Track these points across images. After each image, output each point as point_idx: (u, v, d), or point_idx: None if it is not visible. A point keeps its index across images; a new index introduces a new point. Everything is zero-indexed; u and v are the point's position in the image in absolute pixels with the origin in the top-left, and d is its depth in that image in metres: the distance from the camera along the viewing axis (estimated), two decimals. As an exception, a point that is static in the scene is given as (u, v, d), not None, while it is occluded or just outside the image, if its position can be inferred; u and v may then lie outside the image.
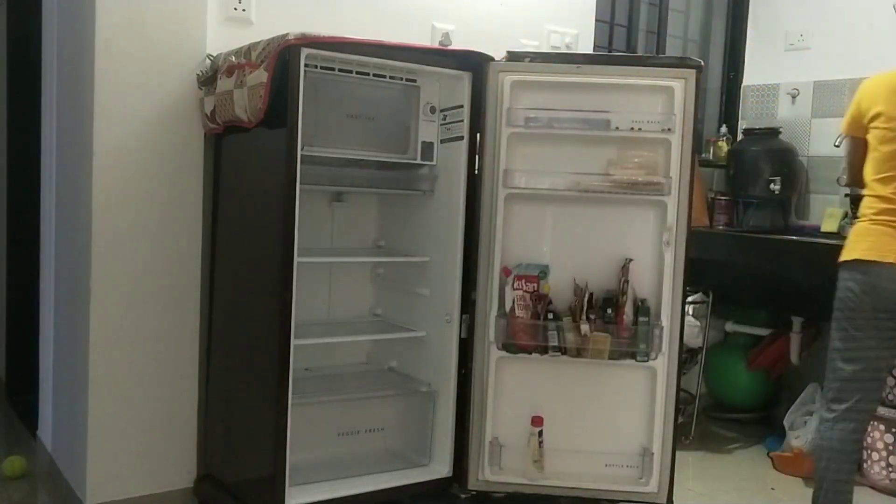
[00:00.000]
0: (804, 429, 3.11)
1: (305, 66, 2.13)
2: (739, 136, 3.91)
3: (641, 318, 2.46)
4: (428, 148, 2.59)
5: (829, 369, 2.39)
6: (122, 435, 2.41)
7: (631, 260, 2.50)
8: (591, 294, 2.48)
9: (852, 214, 3.33)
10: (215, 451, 2.51)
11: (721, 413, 3.76)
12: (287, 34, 2.10)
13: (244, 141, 2.34)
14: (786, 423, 3.21)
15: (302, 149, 2.14)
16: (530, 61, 2.50)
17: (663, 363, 2.48)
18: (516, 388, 2.56)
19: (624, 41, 3.79)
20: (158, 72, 2.38)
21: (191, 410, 2.52)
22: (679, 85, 2.43)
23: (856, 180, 2.51)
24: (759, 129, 3.75)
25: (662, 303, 2.47)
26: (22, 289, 3.41)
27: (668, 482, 2.51)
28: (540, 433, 2.51)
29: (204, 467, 2.54)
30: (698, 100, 2.46)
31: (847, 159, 2.55)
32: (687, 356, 3.40)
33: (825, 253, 3.02)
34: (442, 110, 2.59)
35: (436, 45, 2.90)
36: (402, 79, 2.52)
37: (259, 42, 2.20)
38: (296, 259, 2.15)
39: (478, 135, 2.49)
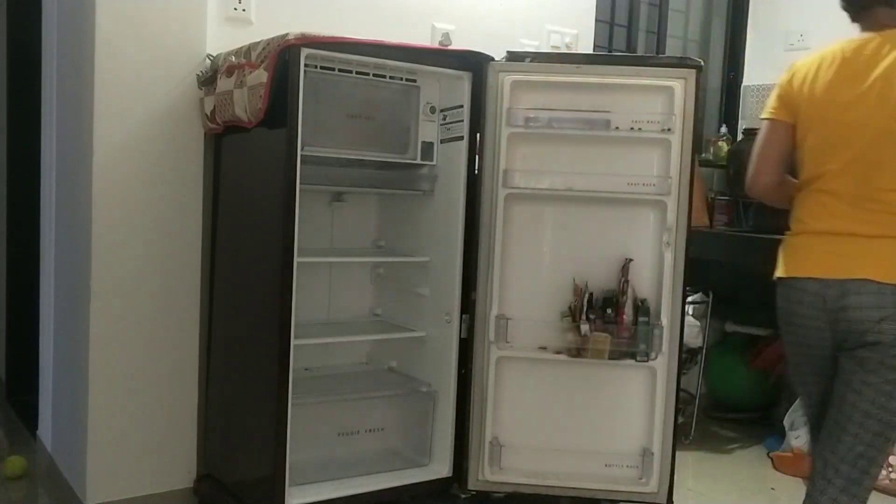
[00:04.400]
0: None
1: (305, 66, 2.13)
2: (739, 136, 3.90)
3: (641, 318, 2.46)
4: (428, 148, 2.59)
5: None
6: (122, 435, 2.41)
7: (631, 260, 2.50)
8: (591, 294, 2.48)
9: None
10: (215, 451, 2.51)
11: (721, 413, 3.76)
12: (287, 34, 2.10)
13: (244, 141, 2.34)
14: (786, 423, 3.21)
15: (302, 149, 2.14)
16: (530, 61, 2.50)
17: (663, 363, 2.48)
18: (516, 388, 2.56)
19: (624, 41, 3.80)
20: (158, 72, 2.38)
21: (191, 410, 2.52)
22: (679, 85, 2.42)
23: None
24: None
25: (662, 303, 2.47)
26: (22, 289, 3.41)
27: (668, 482, 2.51)
28: None
29: (204, 467, 2.54)
30: (698, 100, 2.45)
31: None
32: (687, 356, 3.39)
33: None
34: (442, 110, 2.59)
35: (436, 45, 2.90)
36: (401, 79, 2.52)
37: (259, 42, 2.20)
38: (296, 259, 2.15)
39: (478, 135, 2.49)
